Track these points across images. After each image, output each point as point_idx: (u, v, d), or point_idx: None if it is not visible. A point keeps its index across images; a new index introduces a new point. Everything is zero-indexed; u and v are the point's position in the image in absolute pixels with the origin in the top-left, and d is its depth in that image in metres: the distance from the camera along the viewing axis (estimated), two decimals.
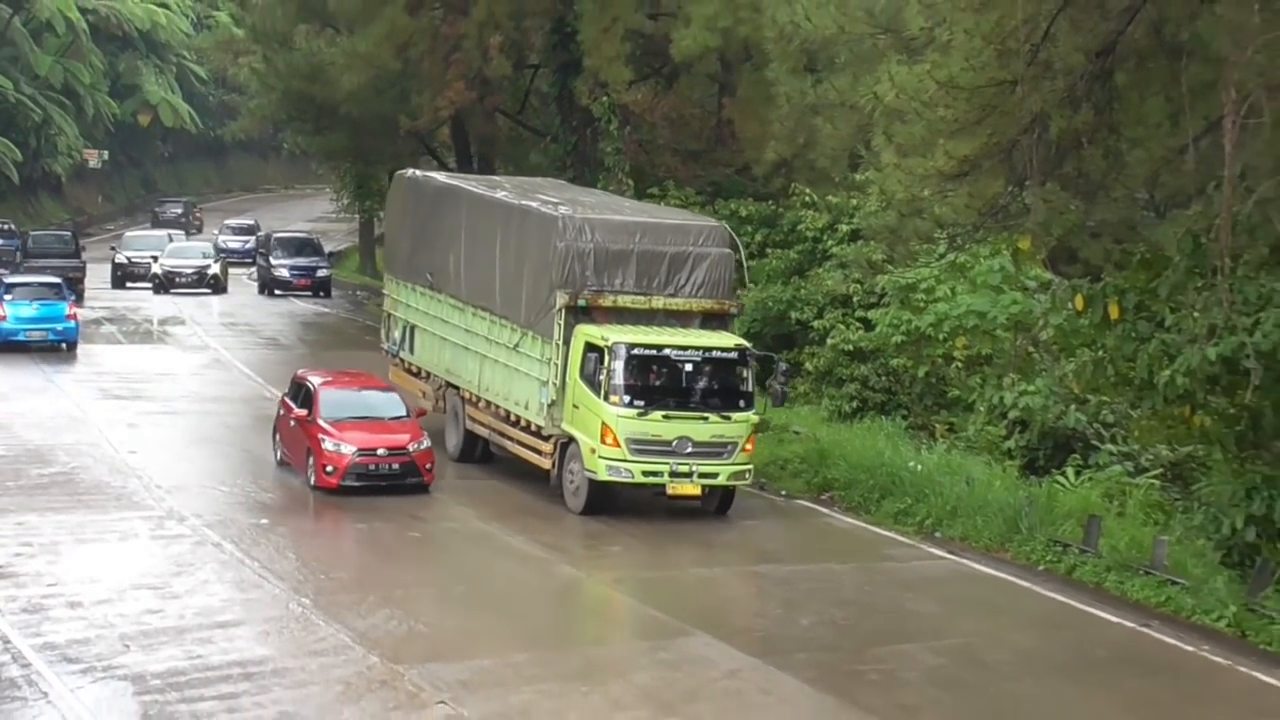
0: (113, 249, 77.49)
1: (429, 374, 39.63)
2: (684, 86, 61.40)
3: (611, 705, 22.74)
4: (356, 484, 33.43)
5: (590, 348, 32.60)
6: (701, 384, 32.68)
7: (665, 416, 32.16)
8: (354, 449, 33.43)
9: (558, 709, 22.45)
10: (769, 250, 49.21)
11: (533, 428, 34.31)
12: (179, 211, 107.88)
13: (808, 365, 44.34)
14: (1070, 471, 36.19)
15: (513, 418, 35.13)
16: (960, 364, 41.76)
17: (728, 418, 32.47)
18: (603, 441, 32.04)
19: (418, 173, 46.19)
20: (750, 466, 33.19)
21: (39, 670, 23.22)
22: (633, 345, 32.18)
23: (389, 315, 43.05)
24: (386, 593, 28.33)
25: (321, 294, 73.43)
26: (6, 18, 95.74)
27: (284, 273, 73.84)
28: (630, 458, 32.07)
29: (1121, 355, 29.42)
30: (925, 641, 26.76)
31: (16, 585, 27.38)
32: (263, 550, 30.12)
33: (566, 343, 33.07)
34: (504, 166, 65.50)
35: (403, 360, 41.50)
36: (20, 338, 52.53)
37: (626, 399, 31.99)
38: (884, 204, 32.07)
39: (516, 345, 34.80)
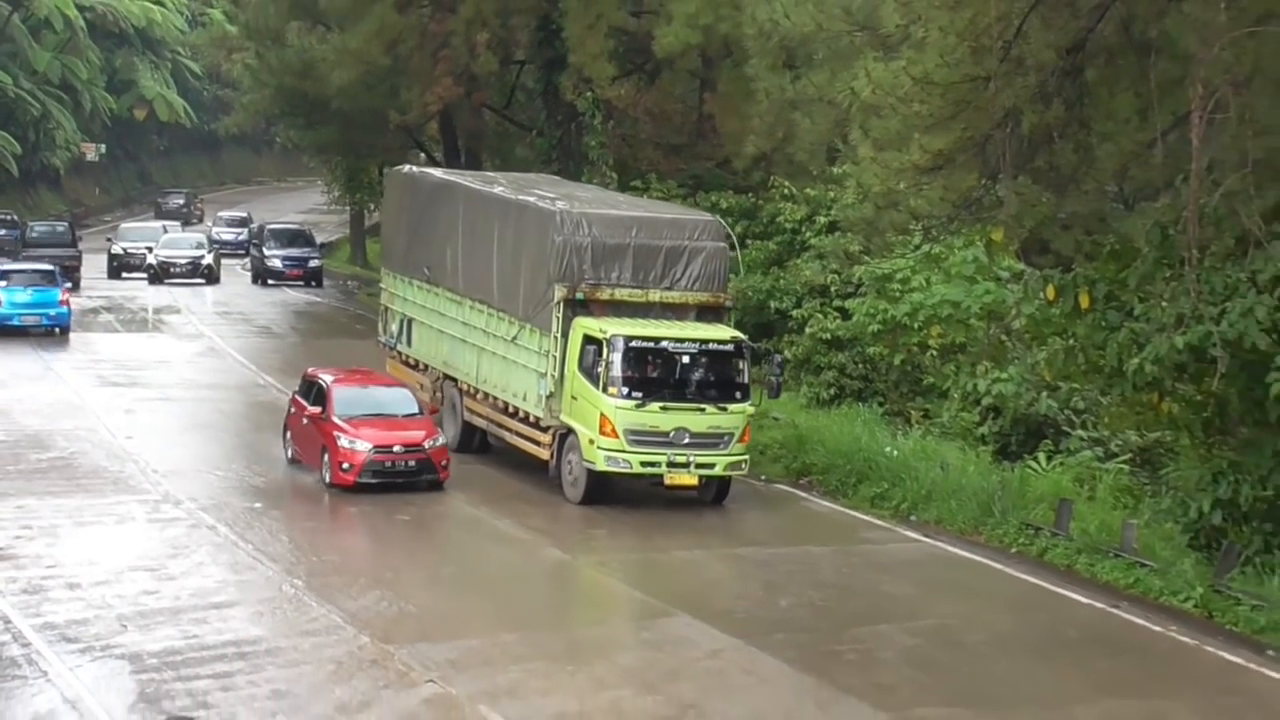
0: (109, 240, 77.23)
1: (426, 366, 39.35)
2: (666, 82, 61.34)
3: (596, 684, 22.73)
4: (373, 481, 32.64)
5: (588, 340, 32.41)
6: (698, 376, 32.42)
7: (663, 408, 31.95)
8: (370, 446, 32.62)
9: (544, 688, 22.43)
10: (749, 241, 49.14)
11: (531, 419, 34.07)
12: (181, 202, 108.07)
13: (787, 353, 44.35)
14: (1042, 457, 36.25)
15: (511, 409, 34.92)
16: (935, 352, 41.79)
17: (724, 409, 32.28)
18: (601, 432, 31.84)
19: (414, 168, 46.05)
20: (746, 457, 33.01)
21: (39, 649, 23.20)
22: (631, 338, 31.98)
23: (386, 309, 42.68)
24: (377, 575, 28.32)
25: (313, 284, 73.25)
26: (6, 15, 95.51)
27: (277, 263, 73.63)
28: (628, 448, 31.82)
29: (1092, 344, 29.43)
30: (901, 622, 26.75)
31: (16, 567, 27.35)
32: (256, 533, 30.09)
33: (564, 335, 32.89)
34: (491, 160, 65.47)
35: (400, 353, 41.19)
36: (15, 322, 53.12)
37: (625, 391, 31.77)
38: (861, 197, 32.11)
39: (514, 338, 34.59)
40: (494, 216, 36.61)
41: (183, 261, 71.72)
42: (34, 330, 53.38)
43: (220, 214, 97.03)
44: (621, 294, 33.36)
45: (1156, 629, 26.39)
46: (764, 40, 37.90)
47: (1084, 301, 29.01)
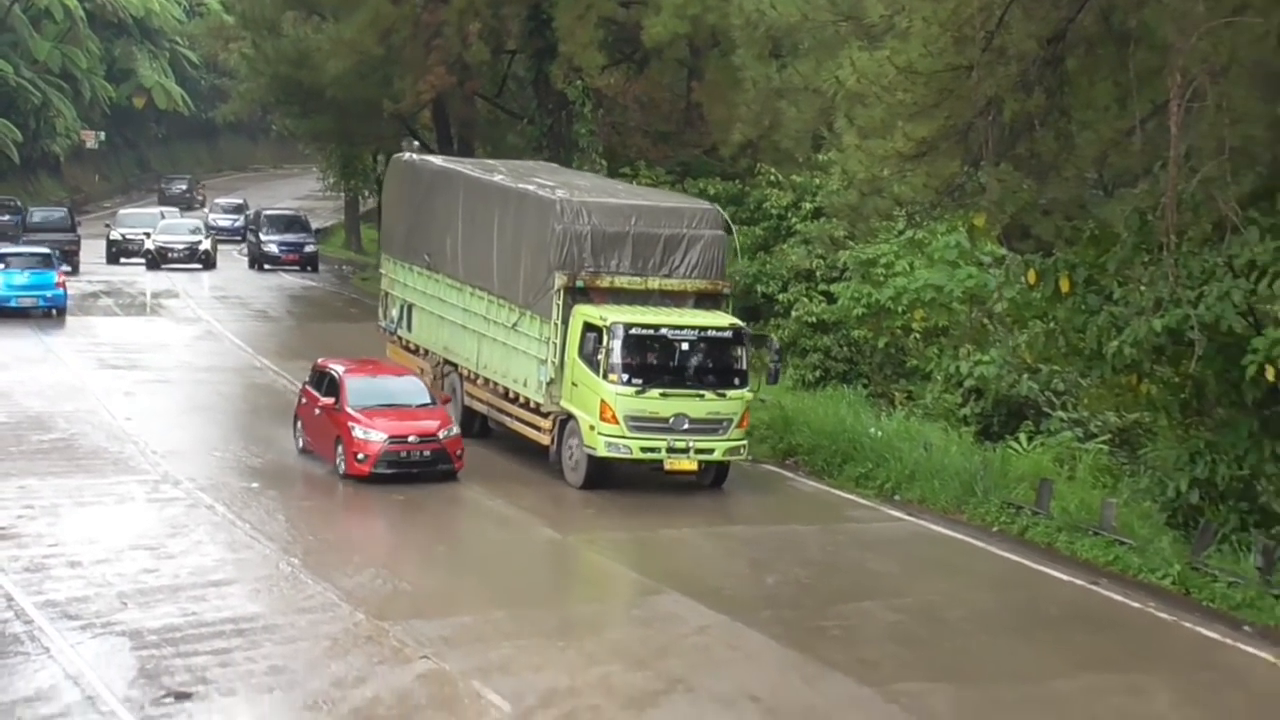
0: (107, 226, 77.15)
1: (427, 351, 39.09)
2: (654, 71, 61.22)
3: (586, 660, 22.75)
4: (388, 471, 31.93)
5: (589, 327, 32.20)
6: (698, 362, 32.21)
7: (663, 394, 31.74)
8: (385, 436, 31.92)
9: (535, 664, 22.45)
10: (735, 227, 49.09)
11: (531, 404, 33.86)
12: (184, 187, 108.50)
13: (773, 336, 44.32)
14: (1023, 437, 36.29)
15: (511, 394, 34.68)
16: (918, 335, 41.83)
17: (723, 395, 32.07)
18: (602, 419, 31.63)
19: (414, 156, 45.78)
20: (745, 442, 32.82)
21: (41, 626, 23.22)
22: (631, 325, 31.78)
23: (386, 294, 42.29)
24: (372, 553, 28.37)
25: (309, 269, 73.20)
26: (7, 5, 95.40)
27: (273, 248, 73.62)
28: (629, 434, 31.62)
29: (1072, 327, 29.45)
30: (885, 599, 26.78)
31: (19, 546, 27.36)
32: (253, 512, 30.08)
33: (565, 322, 32.66)
34: (483, 147, 65.33)
35: (400, 338, 40.91)
36: (12, 304, 53.65)
37: (625, 377, 31.57)
38: (846, 183, 32.01)
39: (515, 324, 34.35)
40: (494, 204, 36.35)
41: (180, 247, 71.66)
42: (33, 312, 53.67)
43: (217, 200, 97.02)
44: (621, 281, 33.15)
45: (1135, 605, 26.43)
46: (751, 30, 37.83)
47: (1064, 286, 29.03)
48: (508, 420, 35.18)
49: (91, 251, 72.18)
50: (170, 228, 74.09)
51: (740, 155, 51.28)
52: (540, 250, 33.54)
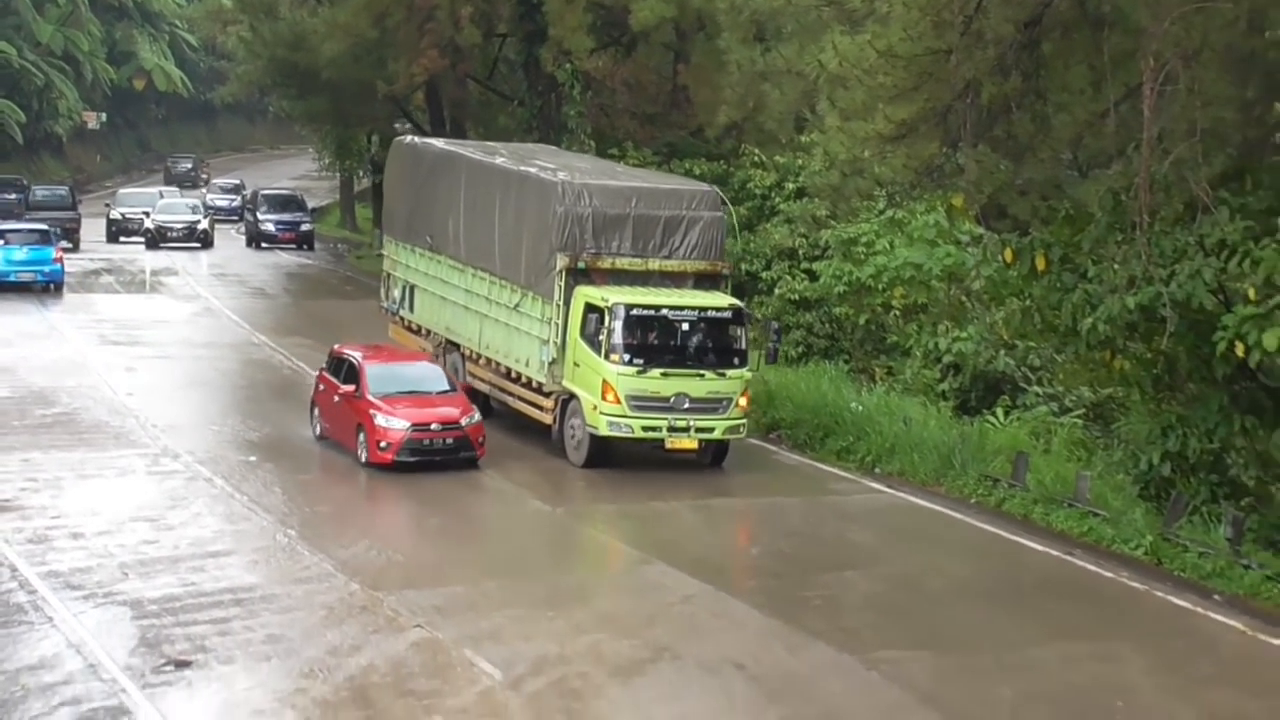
0: (107, 205, 77.00)
1: (429, 331, 38.79)
2: (642, 54, 61.14)
3: (575, 629, 22.75)
4: (411, 459, 31.06)
5: (590, 308, 31.96)
6: (698, 342, 31.96)
7: (664, 374, 31.48)
8: (407, 424, 31.06)
9: (525, 632, 22.45)
10: None
11: (533, 384, 33.62)
12: (189, 166, 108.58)
13: (757, 314, 44.29)
14: (1000, 411, 36.35)
15: (513, 374, 34.45)
16: (898, 312, 41.82)
17: (723, 374, 31.83)
18: (604, 398, 31.42)
19: (416, 139, 45.33)
20: (745, 421, 32.58)
21: (44, 596, 23.24)
22: (632, 306, 31.54)
23: (388, 275, 41.89)
24: (367, 525, 28.39)
25: (305, 247, 73.12)
26: None
27: (270, 227, 73.50)
28: (630, 414, 31.37)
29: (1047, 304, 29.44)
30: (865, 569, 26.82)
31: (23, 517, 27.35)
32: (251, 485, 30.07)
33: (567, 303, 32.42)
34: (475, 129, 65.22)
35: (403, 318, 40.58)
36: (11, 279, 54.14)
37: (626, 357, 31.31)
38: (828, 164, 32.04)
39: (517, 305, 34.12)
40: (496, 187, 36.08)
41: (179, 226, 71.51)
42: (34, 287, 54.10)
43: (214, 181, 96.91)
44: (622, 263, 32.89)
45: (1108, 575, 26.47)
46: (735, 14, 37.92)
47: (1040, 264, 29.01)
48: (510, 399, 34.92)
49: (92, 230, 72.07)
50: (169, 207, 73.91)
51: (725, 136, 51.33)
52: (542, 232, 33.29)
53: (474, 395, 35.42)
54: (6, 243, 54.75)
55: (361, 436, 31.54)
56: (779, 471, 33.48)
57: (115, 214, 74.31)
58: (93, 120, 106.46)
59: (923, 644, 22.88)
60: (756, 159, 49.42)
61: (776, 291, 44.43)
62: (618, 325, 31.41)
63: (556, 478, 32.04)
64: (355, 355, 33.17)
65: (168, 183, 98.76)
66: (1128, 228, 26.84)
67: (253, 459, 32.25)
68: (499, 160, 37.61)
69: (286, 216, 74.20)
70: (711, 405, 31.84)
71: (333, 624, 22.48)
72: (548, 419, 33.36)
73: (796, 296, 43.93)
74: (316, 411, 33.93)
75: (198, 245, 70.98)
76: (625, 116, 60.51)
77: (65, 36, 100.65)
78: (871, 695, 20.87)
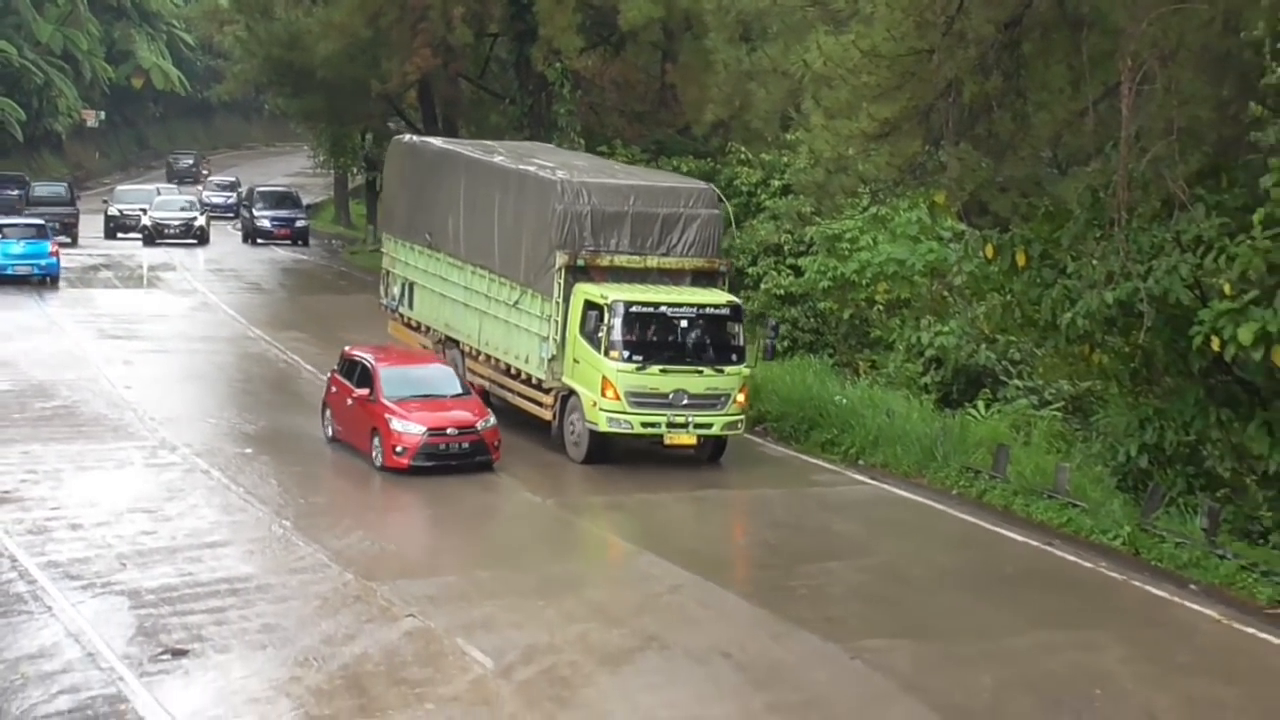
0: (105, 202, 76.90)
1: (428, 328, 38.46)
2: (630, 54, 61.09)
3: (565, 618, 22.74)
4: (427, 464, 30.32)
5: (590, 305, 31.70)
6: (696, 339, 31.71)
7: (662, 370, 31.22)
8: (424, 429, 30.32)
9: (516, 621, 22.44)
10: None
11: (533, 381, 33.37)
12: (190, 162, 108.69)
13: (771, 316, 44.32)
14: (981, 404, 36.38)
15: (513, 370, 34.18)
16: (881, 307, 41.85)
17: (721, 371, 31.56)
18: (603, 395, 31.18)
19: (414, 138, 45.15)
20: (742, 417, 32.35)
21: (43, 586, 23.23)
22: (631, 303, 31.28)
23: (387, 272, 41.47)
24: (360, 516, 28.34)
25: (300, 243, 73.07)
26: None
27: (265, 223, 73.47)
28: (630, 410, 31.14)
29: (1028, 299, 29.45)
30: (850, 559, 26.84)
31: (22, 509, 27.33)
32: (247, 477, 30.04)
33: (566, 300, 32.15)
34: (466, 127, 65.24)
35: (402, 315, 40.20)
36: (9, 271, 54.56)
37: (626, 354, 31.08)
38: (813, 162, 31.97)
39: (516, 302, 33.83)
40: (495, 185, 35.78)
41: (175, 223, 71.40)
42: (31, 280, 54.41)
43: (210, 178, 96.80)
44: (620, 260, 32.61)
45: (1087, 565, 26.49)
46: (722, 15, 37.91)
47: (1020, 260, 29.03)
48: (509, 395, 34.60)
49: (90, 226, 71.98)
50: (165, 204, 73.75)
51: (712, 134, 51.36)
52: (541, 230, 33.02)
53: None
54: (4, 237, 55.05)
55: (376, 440, 30.83)
56: (765, 464, 33.45)
57: (113, 210, 74.27)
58: (91, 118, 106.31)
59: (905, 633, 22.89)
60: (743, 156, 49.41)
61: (762, 287, 44.43)
62: (617, 322, 31.18)
63: (548, 470, 31.98)
64: (368, 358, 32.44)
65: (170, 179, 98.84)
66: (1106, 224, 26.84)
67: (249, 451, 32.22)
68: (498, 159, 37.33)
69: (282, 213, 74.17)
70: (710, 401, 31.61)
71: (327, 613, 22.47)
72: (547, 415, 33.07)
73: (782, 292, 43.94)
74: (329, 414, 33.18)
75: (194, 242, 70.88)
76: (614, 114, 60.54)
77: (64, 36, 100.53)
78: (855, 683, 20.88)
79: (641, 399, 31.25)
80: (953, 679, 21.02)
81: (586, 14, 54.99)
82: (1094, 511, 28.40)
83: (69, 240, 66.28)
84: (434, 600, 23.19)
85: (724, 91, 42.31)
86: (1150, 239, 26.41)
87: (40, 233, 56.02)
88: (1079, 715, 20.19)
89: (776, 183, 47.21)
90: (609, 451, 32.11)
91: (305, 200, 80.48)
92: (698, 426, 31.63)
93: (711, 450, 32.56)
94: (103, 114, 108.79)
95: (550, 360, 32.47)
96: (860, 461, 33.29)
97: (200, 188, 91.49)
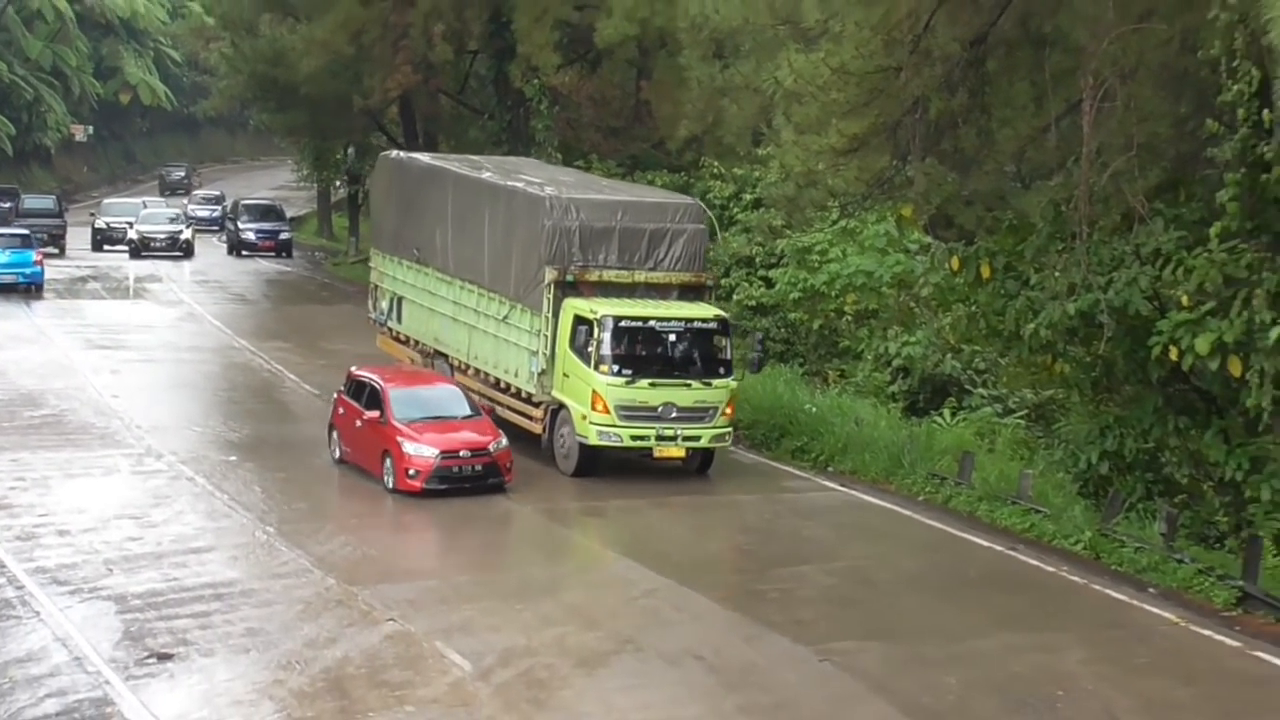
0: (92, 215, 76.71)
1: (417, 342, 38.02)
2: (606, 71, 61.21)
3: (542, 621, 22.72)
4: (440, 487, 29.30)
5: (579, 320, 31.36)
6: (684, 353, 31.49)
7: (651, 384, 30.91)
8: (437, 452, 29.31)
9: (495, 624, 22.43)
10: None
11: (523, 394, 33.01)
12: (182, 174, 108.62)
13: (757, 329, 44.31)
14: (947, 413, 36.43)
15: (502, 384, 33.81)
16: (850, 318, 41.87)
17: (709, 384, 31.29)
18: (593, 408, 30.84)
19: (402, 154, 44.70)
20: (730, 429, 32.12)
21: (32, 592, 23.16)
22: (620, 318, 30.99)
23: (375, 287, 40.90)
24: (342, 522, 28.27)
25: (283, 255, 72.82)
26: (1, 6, 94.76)
27: (250, 235, 73.21)
28: (619, 423, 30.82)
29: (992, 310, 29.53)
30: (819, 564, 26.83)
31: (11, 515, 27.24)
32: (232, 484, 29.98)
33: (555, 315, 31.84)
34: (446, 141, 65.24)
35: (391, 329, 39.69)
36: None
37: (615, 368, 30.76)
38: (783, 176, 32.02)
39: (505, 317, 33.47)
40: (483, 201, 35.34)
41: (161, 236, 71.06)
42: (18, 287, 54.58)
43: (195, 192, 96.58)
44: (609, 275, 32.25)
45: (1049, 569, 26.52)
46: (696, 33, 37.87)
47: (985, 272, 29.09)
48: (499, 409, 33.99)
49: (78, 238, 71.78)
50: (151, 217, 73.41)
51: (686, 149, 51.33)
52: (531, 245, 32.63)
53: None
54: None
55: (388, 463, 29.80)
56: (737, 470, 33.40)
57: (100, 223, 74.05)
58: (80, 133, 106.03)
59: (873, 635, 22.90)
60: (716, 171, 49.43)
61: (734, 298, 44.42)
62: (606, 337, 30.86)
63: (524, 476, 31.82)
64: (376, 379, 31.31)
65: (162, 191, 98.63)
66: (1068, 237, 26.95)
67: (233, 459, 32.15)
68: (485, 175, 36.88)
69: (266, 225, 73.94)
70: (698, 414, 31.33)
71: (309, 617, 22.43)
72: (537, 428, 32.64)
73: (754, 302, 43.96)
74: (335, 435, 32.05)
75: (180, 254, 70.66)
76: (590, 130, 60.57)
77: (54, 52, 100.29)
78: (825, 684, 20.87)
79: (631, 412, 30.94)
80: (919, 680, 21.03)
81: (564, 32, 55.05)
82: (1056, 517, 28.44)
83: (57, 251, 66.45)
84: (414, 604, 23.15)
85: (697, 107, 42.33)
86: (1111, 252, 26.50)
87: (25, 242, 56.40)
88: (1042, 715, 20.20)
89: (748, 196, 47.27)
90: (598, 464, 31.72)
91: (289, 213, 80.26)
92: (686, 439, 31.36)
93: (700, 462, 32.30)
94: (91, 129, 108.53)
95: (540, 374, 32.17)
96: (830, 468, 33.29)
97: (187, 202, 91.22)
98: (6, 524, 26.62)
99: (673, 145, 51.77)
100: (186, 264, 68.47)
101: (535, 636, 21.99)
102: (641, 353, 31.25)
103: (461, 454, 29.66)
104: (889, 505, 30.79)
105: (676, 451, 31.53)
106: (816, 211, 36.86)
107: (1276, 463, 26.55)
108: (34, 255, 55.82)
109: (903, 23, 26.22)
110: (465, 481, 29.67)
